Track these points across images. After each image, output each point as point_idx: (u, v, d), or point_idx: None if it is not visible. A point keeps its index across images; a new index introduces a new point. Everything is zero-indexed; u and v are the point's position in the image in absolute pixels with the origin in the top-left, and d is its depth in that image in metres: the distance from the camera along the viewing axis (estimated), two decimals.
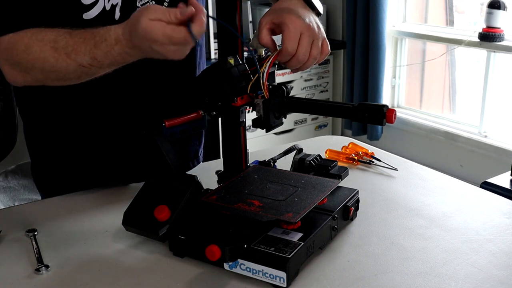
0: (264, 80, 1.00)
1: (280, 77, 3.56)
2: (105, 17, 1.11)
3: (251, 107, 1.06)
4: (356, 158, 1.41)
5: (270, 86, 1.03)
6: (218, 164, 1.20)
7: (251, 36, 1.23)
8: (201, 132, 1.42)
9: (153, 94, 1.23)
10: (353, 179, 1.22)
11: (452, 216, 1.12)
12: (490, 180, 1.85)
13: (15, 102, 1.42)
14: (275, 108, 1.03)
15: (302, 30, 0.99)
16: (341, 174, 1.10)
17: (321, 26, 1.05)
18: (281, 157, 1.23)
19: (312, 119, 3.94)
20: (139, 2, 1.14)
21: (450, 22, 3.69)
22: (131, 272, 0.94)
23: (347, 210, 1.05)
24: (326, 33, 1.06)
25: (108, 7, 1.11)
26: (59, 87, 1.15)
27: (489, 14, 3.10)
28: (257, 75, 1.00)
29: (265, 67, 1.00)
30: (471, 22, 3.64)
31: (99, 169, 1.27)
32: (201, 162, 1.43)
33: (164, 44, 0.88)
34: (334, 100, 4.01)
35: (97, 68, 0.98)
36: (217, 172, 1.13)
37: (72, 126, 1.24)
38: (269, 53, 1.03)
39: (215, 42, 3.17)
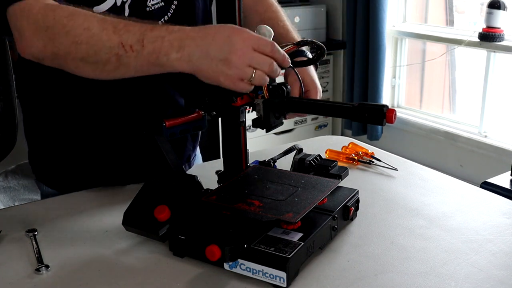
0: None
1: (280, 77, 3.56)
2: (115, 12, 1.10)
3: (251, 107, 1.06)
4: (356, 158, 1.41)
5: (270, 86, 1.03)
6: (218, 164, 1.20)
7: None
8: (197, 137, 1.42)
9: (153, 94, 1.23)
10: (353, 179, 1.22)
11: (452, 216, 1.12)
12: (490, 180, 1.85)
13: (17, 101, 1.42)
14: (275, 108, 1.03)
15: (311, 92, 1.26)
16: (341, 174, 1.10)
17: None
18: (281, 157, 1.23)
19: (312, 119, 3.94)
20: (149, 2, 1.14)
21: (450, 22, 3.69)
22: (131, 272, 0.94)
23: (347, 210, 1.05)
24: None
25: (119, 3, 1.10)
26: (62, 84, 1.15)
27: (489, 14, 3.10)
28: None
29: None
30: (471, 22, 3.64)
31: (99, 169, 1.27)
32: (194, 164, 1.43)
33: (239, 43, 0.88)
34: (334, 100, 4.02)
35: (133, 56, 0.92)
36: (217, 172, 1.13)
37: (72, 125, 1.24)
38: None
39: None
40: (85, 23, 0.93)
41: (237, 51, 0.87)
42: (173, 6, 1.17)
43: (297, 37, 1.30)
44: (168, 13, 1.17)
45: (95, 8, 1.08)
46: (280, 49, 0.92)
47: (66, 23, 0.94)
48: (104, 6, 1.09)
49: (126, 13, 1.12)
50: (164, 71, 0.93)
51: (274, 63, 0.91)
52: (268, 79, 0.92)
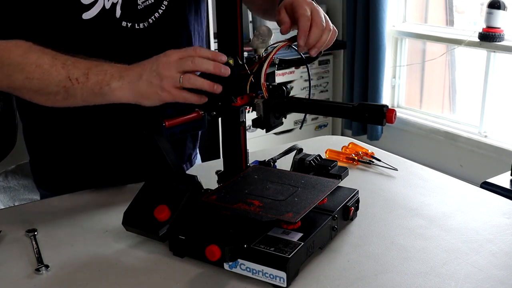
0: (263, 80, 1.00)
1: (280, 77, 3.56)
2: (106, 16, 1.11)
3: (251, 107, 1.06)
4: (356, 158, 1.41)
5: (270, 86, 1.03)
6: (218, 164, 1.20)
7: (251, 36, 1.23)
8: (197, 137, 1.42)
9: None
10: (353, 179, 1.22)
11: (452, 216, 1.12)
12: (490, 180, 1.85)
13: (15, 103, 1.42)
14: (275, 108, 1.03)
15: (311, 7, 1.05)
16: (341, 174, 1.10)
17: (328, 20, 1.10)
18: (281, 157, 1.23)
19: (312, 119, 3.94)
20: (140, 0, 1.14)
21: (450, 22, 3.69)
22: (131, 272, 0.94)
23: (347, 210, 1.05)
24: None
25: (108, 6, 1.11)
26: None
27: (489, 14, 3.10)
28: (251, 76, 1.01)
29: (265, 59, 1.01)
30: (471, 22, 3.64)
31: (99, 169, 1.27)
32: (194, 165, 1.43)
33: (170, 61, 0.95)
34: (334, 100, 4.02)
35: (79, 88, 1.01)
36: (217, 172, 1.13)
37: (71, 126, 1.24)
38: (272, 50, 1.03)
39: (215, 42, 3.17)
40: (37, 60, 1.03)
41: (163, 64, 0.96)
42: (165, 3, 1.17)
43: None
44: (159, 10, 1.18)
45: (84, 15, 1.09)
46: (205, 49, 0.97)
47: (21, 61, 1.04)
48: (93, 12, 1.10)
49: (118, 15, 1.12)
50: (108, 101, 1.03)
51: (197, 58, 0.95)
52: (199, 82, 0.96)
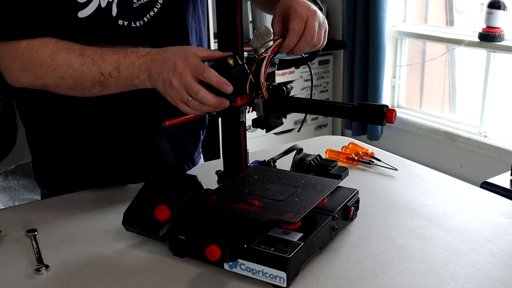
0: (263, 80, 1.00)
1: (280, 77, 3.56)
2: (101, 15, 1.11)
3: (251, 107, 1.06)
4: (356, 158, 1.41)
5: (270, 86, 1.03)
6: (218, 164, 1.20)
7: (251, 36, 1.23)
8: (198, 136, 1.42)
9: (153, 94, 1.23)
10: (353, 179, 1.22)
11: (452, 216, 1.12)
12: (490, 180, 1.85)
13: (15, 104, 1.42)
14: (275, 108, 1.03)
15: (308, 14, 1.02)
16: (341, 174, 1.10)
17: (324, 19, 1.08)
18: (281, 157, 1.23)
19: (312, 119, 3.94)
20: None
21: (450, 22, 3.69)
22: (131, 272, 0.94)
23: (347, 210, 1.05)
24: None
25: (103, 4, 1.11)
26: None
27: (489, 14, 3.10)
28: (250, 75, 1.00)
29: (266, 58, 1.00)
30: (471, 22, 3.64)
31: (99, 169, 1.27)
32: (197, 165, 1.43)
33: (186, 69, 0.95)
34: (334, 100, 4.02)
35: (113, 81, 1.04)
36: (217, 172, 1.13)
37: (72, 126, 1.24)
38: (269, 49, 1.02)
39: (215, 42, 3.17)
40: (66, 60, 1.05)
41: (177, 76, 0.96)
42: (160, 1, 1.17)
43: None
44: (154, 9, 1.18)
45: (80, 13, 1.10)
46: (215, 76, 0.95)
47: (50, 62, 1.06)
48: (89, 10, 1.10)
49: (114, 13, 1.13)
50: (139, 88, 1.06)
51: (201, 92, 0.94)
52: (204, 108, 0.97)
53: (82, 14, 1.10)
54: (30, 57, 1.06)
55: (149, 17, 1.17)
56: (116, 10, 1.13)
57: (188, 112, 1.00)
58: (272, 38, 1.04)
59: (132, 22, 1.15)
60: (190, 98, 0.96)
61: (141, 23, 1.16)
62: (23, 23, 1.06)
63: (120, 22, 1.14)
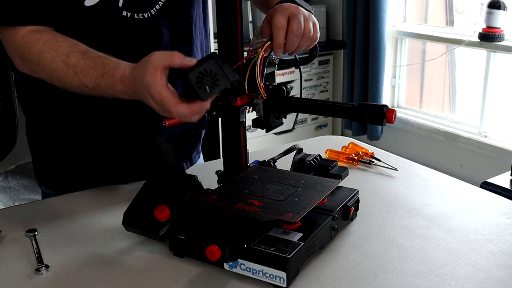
0: (259, 81, 1.00)
1: (280, 77, 3.56)
2: (107, 4, 1.11)
3: (251, 107, 1.06)
4: (356, 158, 1.41)
5: (270, 86, 1.03)
6: (218, 164, 1.20)
7: (251, 36, 1.23)
8: (198, 136, 1.42)
9: None
10: (353, 179, 1.22)
11: (452, 216, 1.12)
12: (490, 180, 1.85)
13: (17, 101, 1.42)
14: (275, 108, 1.03)
15: (291, 11, 1.02)
16: (341, 174, 1.10)
17: (312, 14, 1.07)
18: (281, 157, 1.23)
19: (312, 119, 3.94)
20: None
21: (450, 22, 3.69)
22: (131, 272, 0.94)
23: (347, 210, 1.05)
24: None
25: None
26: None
27: (489, 14, 3.10)
28: (247, 74, 1.00)
29: (256, 58, 0.99)
30: (471, 22, 3.64)
31: (100, 167, 1.27)
32: (195, 164, 1.43)
33: (157, 104, 0.92)
34: (334, 100, 4.02)
35: (98, 93, 1.03)
36: (217, 172, 1.13)
37: (73, 125, 1.24)
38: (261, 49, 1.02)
39: (215, 42, 3.18)
40: (51, 64, 1.04)
41: (154, 104, 0.93)
42: (160, 3, 1.17)
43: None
44: (160, 2, 1.18)
45: (86, 1, 1.10)
46: (183, 111, 0.91)
47: (39, 61, 1.06)
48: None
49: (120, 3, 1.13)
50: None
51: (179, 112, 0.91)
52: (187, 119, 0.93)
53: (89, 2, 1.11)
54: (23, 51, 1.07)
55: (155, 10, 1.17)
56: (122, 1, 1.13)
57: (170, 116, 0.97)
58: (262, 39, 1.03)
59: (135, 14, 1.15)
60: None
61: (145, 16, 1.16)
62: (23, 9, 1.06)
63: (124, 13, 1.14)
